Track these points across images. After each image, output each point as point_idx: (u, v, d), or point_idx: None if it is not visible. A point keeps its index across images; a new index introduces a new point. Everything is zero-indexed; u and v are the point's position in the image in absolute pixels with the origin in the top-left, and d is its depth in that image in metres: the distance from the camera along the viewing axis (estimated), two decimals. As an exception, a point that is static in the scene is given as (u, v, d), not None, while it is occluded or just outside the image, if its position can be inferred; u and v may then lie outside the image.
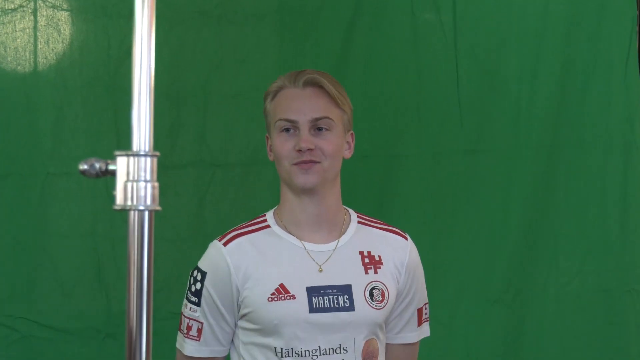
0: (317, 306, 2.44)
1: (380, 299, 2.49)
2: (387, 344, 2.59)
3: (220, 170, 3.34)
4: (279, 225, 2.52)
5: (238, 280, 2.45)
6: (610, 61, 3.51)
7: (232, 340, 2.54)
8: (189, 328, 2.51)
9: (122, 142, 3.20)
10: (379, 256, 2.54)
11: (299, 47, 3.42)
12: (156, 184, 1.59)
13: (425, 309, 2.66)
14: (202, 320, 2.49)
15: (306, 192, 2.46)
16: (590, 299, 3.50)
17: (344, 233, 2.53)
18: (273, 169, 2.59)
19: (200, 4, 3.32)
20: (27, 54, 3.17)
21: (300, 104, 2.46)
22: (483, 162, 3.47)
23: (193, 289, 2.50)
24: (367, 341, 2.47)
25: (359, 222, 2.58)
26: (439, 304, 3.37)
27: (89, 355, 3.19)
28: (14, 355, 3.13)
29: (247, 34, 3.36)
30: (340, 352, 2.45)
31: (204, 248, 2.57)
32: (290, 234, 2.50)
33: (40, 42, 3.19)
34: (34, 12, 3.17)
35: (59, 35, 3.20)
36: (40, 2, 3.18)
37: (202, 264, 2.52)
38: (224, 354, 2.53)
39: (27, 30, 3.17)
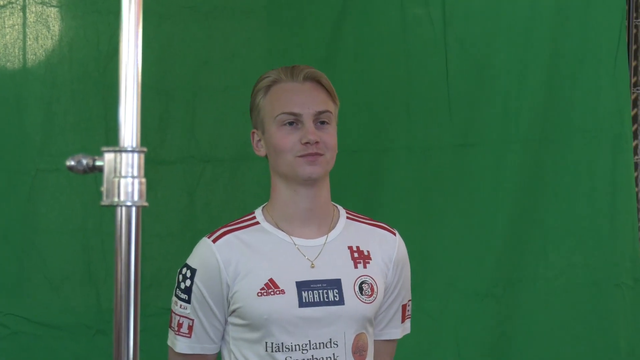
0: (307, 301, 2.44)
1: (370, 293, 2.50)
2: None
3: (209, 165, 3.33)
4: (268, 221, 2.52)
5: (228, 276, 2.46)
6: (599, 54, 3.51)
7: (223, 337, 2.54)
8: (179, 325, 2.51)
9: (112, 138, 3.19)
10: (368, 251, 2.55)
11: (288, 42, 3.42)
12: (143, 180, 1.59)
13: (409, 305, 2.67)
14: (192, 317, 2.49)
15: (307, 184, 2.46)
16: (580, 292, 3.51)
17: (333, 228, 2.54)
18: (264, 163, 2.59)
19: None
20: (16, 51, 3.16)
21: (302, 98, 2.47)
22: (472, 156, 3.47)
23: (182, 286, 2.50)
24: (357, 335, 2.48)
25: (347, 217, 2.59)
26: (428, 297, 3.39)
27: (79, 351, 3.19)
28: (3, 350, 3.12)
29: (236, 29, 3.36)
30: (331, 347, 2.45)
31: (193, 244, 2.57)
32: (280, 229, 2.51)
33: (30, 38, 3.18)
34: (23, 9, 3.16)
35: (48, 32, 3.19)
36: None
37: (191, 261, 2.52)
38: (216, 351, 2.54)
39: (16, 26, 3.16)
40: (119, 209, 1.58)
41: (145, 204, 1.59)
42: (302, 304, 2.44)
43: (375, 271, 2.53)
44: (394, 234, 2.62)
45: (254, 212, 2.56)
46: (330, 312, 2.45)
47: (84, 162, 1.61)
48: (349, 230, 2.55)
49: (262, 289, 2.43)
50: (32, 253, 3.16)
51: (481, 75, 3.48)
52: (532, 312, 3.50)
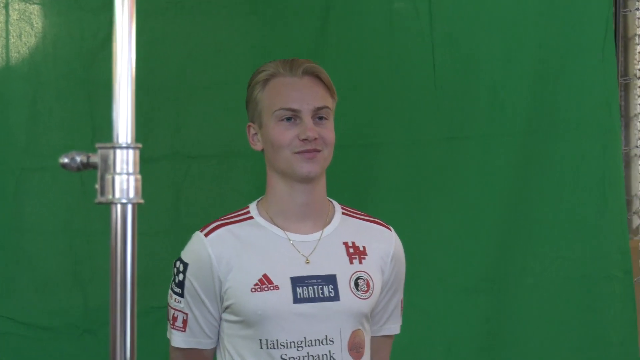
0: (302, 296, 2.44)
1: (366, 288, 2.50)
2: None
3: (195, 162, 3.30)
4: (262, 216, 2.52)
5: (220, 271, 2.45)
6: (586, 46, 3.52)
7: (218, 333, 2.54)
8: (174, 319, 2.52)
9: (98, 135, 3.17)
10: (364, 247, 2.54)
11: (273, 37, 3.40)
12: (139, 177, 1.58)
13: (402, 299, 2.69)
14: (186, 311, 2.49)
15: (304, 180, 2.45)
16: (569, 285, 3.52)
17: (328, 224, 2.54)
18: (250, 160, 2.58)
19: None
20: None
21: (301, 93, 2.46)
22: (460, 149, 3.47)
23: (176, 280, 2.51)
24: (353, 332, 2.48)
25: (343, 213, 2.59)
26: (418, 292, 3.38)
27: (67, 351, 3.17)
28: None
29: (221, 24, 3.34)
30: (327, 344, 2.45)
31: (180, 241, 2.58)
32: (274, 224, 2.50)
33: (13, 36, 3.15)
34: (6, 6, 3.13)
35: (32, 29, 3.17)
36: None
37: (184, 255, 2.52)
38: (212, 346, 2.53)
39: (-1, 24, 3.14)
40: (114, 206, 1.56)
41: (141, 200, 1.57)
42: (296, 299, 2.43)
43: (371, 267, 2.52)
44: (390, 230, 2.63)
45: (248, 207, 2.55)
46: (326, 308, 2.45)
47: (78, 159, 1.61)
48: (344, 226, 2.55)
49: (256, 284, 2.43)
50: (17, 253, 3.14)
51: (468, 68, 3.48)
52: (522, 306, 3.51)
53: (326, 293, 2.45)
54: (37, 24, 3.16)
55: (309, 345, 2.43)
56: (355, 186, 3.40)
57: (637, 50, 4.00)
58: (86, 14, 3.17)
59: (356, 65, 3.42)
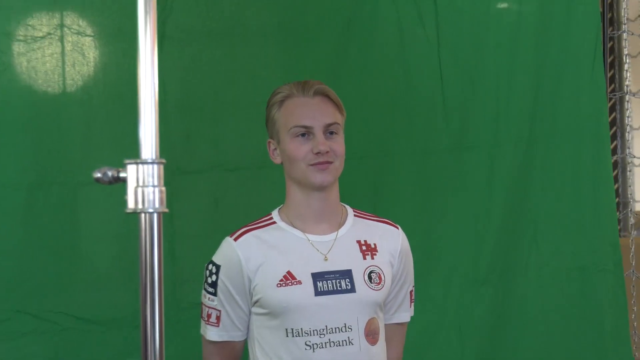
0: (322, 290, 2.44)
1: (378, 281, 2.49)
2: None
3: (232, 174, 3.32)
4: (283, 220, 2.52)
5: (249, 270, 2.46)
6: (578, 62, 3.51)
7: (248, 326, 2.53)
8: (209, 316, 2.52)
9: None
10: (375, 244, 2.54)
11: (299, 59, 3.41)
12: (163, 189, 1.58)
13: (413, 291, 2.67)
14: (219, 308, 2.49)
15: (318, 189, 2.46)
16: (567, 276, 3.50)
17: (342, 225, 2.54)
18: (279, 172, 2.59)
19: (210, 24, 3.31)
20: (56, 77, 3.17)
21: (313, 112, 2.46)
22: (467, 157, 3.47)
23: (209, 280, 2.51)
24: (369, 320, 2.47)
25: (355, 215, 2.58)
26: (432, 286, 3.38)
27: (120, 344, 3.18)
28: (55, 345, 3.12)
29: (253, 49, 3.35)
30: (345, 331, 2.44)
31: (220, 244, 2.59)
32: (295, 227, 2.50)
33: (67, 65, 3.18)
34: (61, 39, 3.17)
35: (84, 58, 3.19)
36: (66, 29, 3.18)
37: (216, 258, 2.52)
38: (243, 338, 2.53)
39: (55, 55, 3.17)
40: (142, 215, 1.57)
41: (166, 210, 1.57)
42: (317, 292, 2.43)
43: (381, 262, 2.52)
44: (397, 228, 2.62)
45: (271, 213, 2.56)
46: (343, 299, 2.44)
47: (109, 174, 1.62)
48: (356, 227, 2.55)
49: (281, 280, 2.43)
50: (74, 256, 3.16)
51: (472, 84, 3.48)
52: (525, 296, 3.50)
53: (343, 286, 2.45)
54: (88, 54, 3.18)
55: (330, 333, 2.43)
56: (374, 191, 3.41)
57: (625, 69, 3.98)
58: (130, 43, 3.19)
59: (373, 84, 3.42)
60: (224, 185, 3.33)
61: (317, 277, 2.45)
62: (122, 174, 1.61)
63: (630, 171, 4.57)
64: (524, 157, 3.48)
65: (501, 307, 3.49)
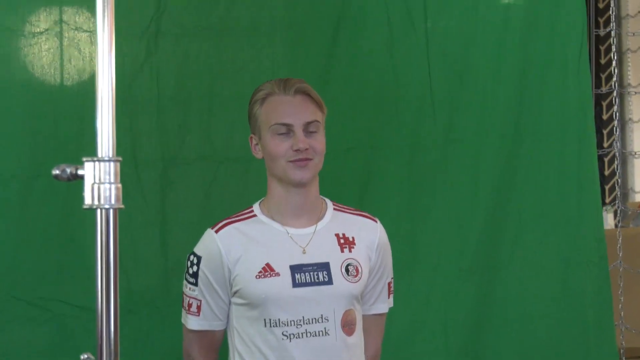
0: (299, 282, 2.47)
1: (355, 273, 2.51)
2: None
3: (222, 165, 3.32)
4: (264, 214, 2.55)
5: (229, 261, 2.49)
6: (564, 59, 3.49)
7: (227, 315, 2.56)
8: (189, 305, 2.55)
9: (138, 146, 3.23)
10: (353, 237, 2.56)
11: (290, 56, 3.42)
12: (119, 186, 1.60)
13: (392, 283, 2.68)
14: (200, 298, 2.53)
15: (298, 185, 2.49)
16: (551, 268, 3.48)
17: (321, 219, 2.56)
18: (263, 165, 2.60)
19: (203, 20, 3.32)
20: (53, 71, 3.18)
21: (293, 110, 2.49)
22: (454, 152, 3.46)
23: (190, 271, 2.54)
24: (345, 311, 2.50)
25: (334, 209, 2.61)
26: (417, 279, 3.38)
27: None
28: (49, 331, 3.15)
29: (243, 46, 3.36)
30: (322, 322, 2.47)
31: (209, 232, 2.61)
32: (274, 220, 2.53)
33: (65, 60, 3.20)
34: (58, 34, 3.18)
35: (80, 54, 3.21)
36: (64, 24, 3.19)
37: (197, 249, 2.56)
38: (223, 327, 2.57)
39: (52, 50, 3.18)
40: (98, 211, 1.59)
41: (121, 206, 1.60)
42: (295, 284, 2.46)
43: (359, 254, 2.54)
44: (375, 222, 2.63)
45: (252, 207, 2.59)
46: (321, 291, 2.47)
47: (68, 171, 1.65)
48: (335, 220, 2.57)
49: (260, 272, 2.46)
50: (70, 246, 3.18)
51: (460, 81, 3.47)
52: (510, 289, 3.48)
53: (321, 278, 2.48)
54: (84, 49, 3.20)
55: (306, 323, 2.46)
56: (361, 184, 3.39)
57: (613, 66, 3.95)
58: (126, 40, 3.20)
59: (362, 79, 3.41)
60: (214, 176, 3.33)
61: (295, 269, 2.48)
62: (80, 172, 1.62)
63: (630, 164, 4.57)
64: (509, 153, 3.46)
65: (485, 301, 3.46)
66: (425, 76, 3.41)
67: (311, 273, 2.48)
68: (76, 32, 3.21)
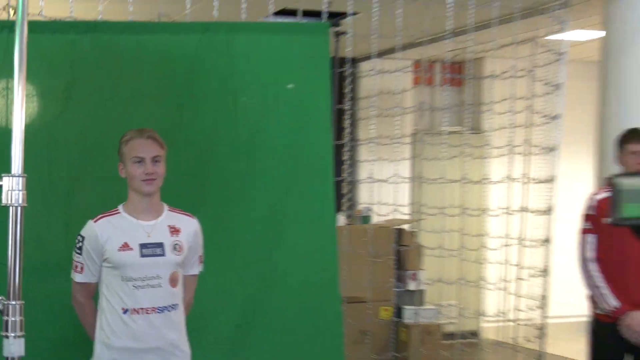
0: (145, 254, 2.55)
1: (179, 250, 2.61)
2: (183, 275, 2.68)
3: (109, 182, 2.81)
4: (125, 212, 2.61)
5: (102, 240, 2.55)
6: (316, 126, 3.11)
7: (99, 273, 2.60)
8: (76, 266, 2.59)
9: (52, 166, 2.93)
10: (179, 228, 2.64)
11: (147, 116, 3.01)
12: (24, 192, 1.66)
13: (202, 256, 2.74)
14: (83, 262, 2.58)
15: (146, 195, 2.56)
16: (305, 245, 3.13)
17: (160, 215, 2.64)
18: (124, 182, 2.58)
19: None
20: None
21: (145, 148, 2.56)
22: (254, 164, 3.10)
23: (78, 245, 2.59)
24: (172, 272, 2.59)
25: (168, 210, 2.68)
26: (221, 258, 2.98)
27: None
28: None
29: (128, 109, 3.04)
30: (157, 279, 2.55)
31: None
32: (131, 216, 2.60)
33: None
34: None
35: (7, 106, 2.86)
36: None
37: (83, 232, 2.60)
38: (96, 280, 2.60)
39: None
40: (11, 208, 1.67)
41: (25, 204, 1.66)
42: (142, 255, 2.54)
43: (182, 238, 2.62)
44: (194, 218, 2.71)
45: (118, 207, 2.64)
46: (157, 260, 2.55)
47: None
48: (168, 217, 2.65)
49: (121, 247, 2.54)
50: None
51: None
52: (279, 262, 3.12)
53: (158, 252, 2.56)
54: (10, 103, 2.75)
55: (148, 279, 2.54)
56: (190, 193, 3.06)
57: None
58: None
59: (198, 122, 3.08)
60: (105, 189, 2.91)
61: (142, 246, 2.56)
62: (0, 183, 1.68)
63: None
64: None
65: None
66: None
67: (152, 249, 2.54)
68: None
